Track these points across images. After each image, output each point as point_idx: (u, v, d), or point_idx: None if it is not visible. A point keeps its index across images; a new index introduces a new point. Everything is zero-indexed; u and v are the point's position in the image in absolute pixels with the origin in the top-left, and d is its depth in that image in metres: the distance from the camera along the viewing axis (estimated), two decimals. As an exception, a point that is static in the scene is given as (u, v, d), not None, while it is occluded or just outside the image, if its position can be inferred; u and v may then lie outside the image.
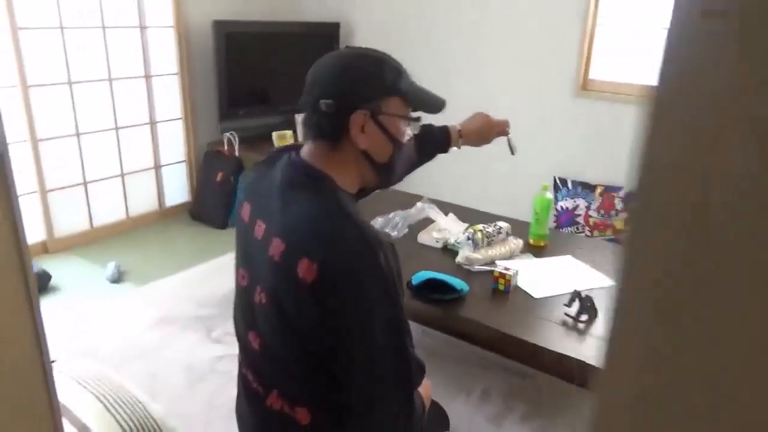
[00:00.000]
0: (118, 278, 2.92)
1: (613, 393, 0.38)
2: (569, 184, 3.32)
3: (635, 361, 0.36)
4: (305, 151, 1.10)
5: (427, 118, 1.20)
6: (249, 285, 1.11)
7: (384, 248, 0.98)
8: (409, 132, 1.14)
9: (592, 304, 1.61)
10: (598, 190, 3.23)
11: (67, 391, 1.39)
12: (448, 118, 1.45)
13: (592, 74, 3.25)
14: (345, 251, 0.96)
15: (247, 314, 1.14)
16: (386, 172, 1.14)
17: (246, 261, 1.13)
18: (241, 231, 1.15)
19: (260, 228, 1.07)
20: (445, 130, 1.64)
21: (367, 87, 1.05)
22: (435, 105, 1.17)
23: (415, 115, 1.14)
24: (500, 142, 1.74)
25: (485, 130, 1.69)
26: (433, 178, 3.17)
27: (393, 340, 1.00)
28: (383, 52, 1.10)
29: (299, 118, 3.85)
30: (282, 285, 1.00)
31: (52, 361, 1.78)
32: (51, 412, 0.77)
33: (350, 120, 1.03)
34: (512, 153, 1.72)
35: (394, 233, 2.06)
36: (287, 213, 1.02)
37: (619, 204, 3.18)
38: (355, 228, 0.98)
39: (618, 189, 3.19)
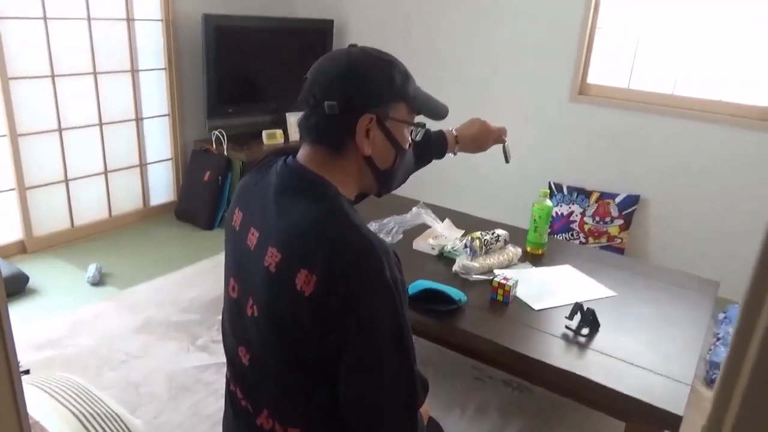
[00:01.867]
0: (99, 280, 2.81)
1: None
2: (564, 190, 3.27)
3: None
4: (302, 155, 1.03)
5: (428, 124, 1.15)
6: (240, 297, 1.04)
7: (390, 259, 0.92)
8: (409, 138, 1.08)
9: (594, 317, 1.56)
10: (594, 196, 3.19)
11: (41, 406, 1.30)
12: (442, 122, 1.39)
13: (590, 79, 3.21)
14: (348, 262, 0.89)
15: (237, 328, 1.07)
16: (387, 179, 1.10)
17: (237, 271, 1.06)
18: (232, 239, 1.07)
19: (253, 236, 1.00)
20: (441, 135, 1.58)
21: (376, 90, 0.99)
22: (439, 112, 1.13)
23: (419, 121, 1.08)
24: (495, 148, 1.69)
25: (482, 137, 1.63)
26: (427, 182, 3.11)
27: (397, 359, 0.93)
28: (391, 55, 1.04)
29: (290, 117, 3.77)
30: (277, 298, 0.94)
31: (26, 372, 1.68)
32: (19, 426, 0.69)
33: (356, 124, 0.97)
34: (507, 161, 1.67)
35: (388, 239, 2.00)
36: (284, 221, 0.95)
37: (614, 210, 3.14)
38: (361, 237, 0.92)
39: (614, 195, 3.15)
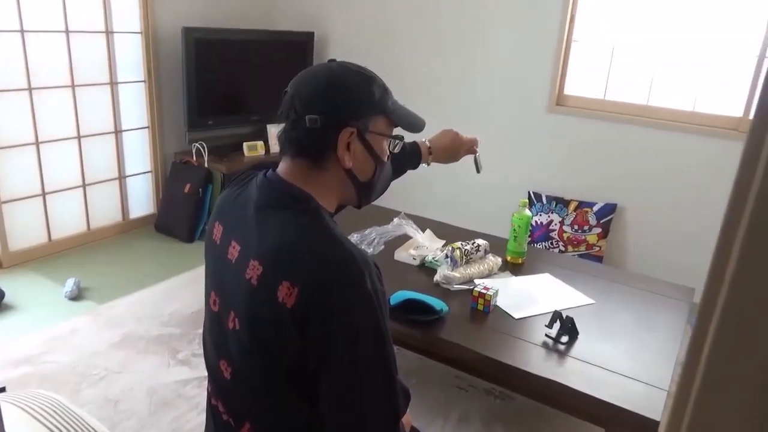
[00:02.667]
0: (77, 295, 2.77)
1: None
2: (543, 199, 3.32)
3: None
4: (282, 168, 1.04)
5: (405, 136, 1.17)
6: (221, 310, 1.04)
7: (371, 271, 0.93)
8: (388, 150, 1.10)
9: (573, 324, 1.59)
10: (572, 205, 3.23)
11: (18, 424, 1.28)
12: (419, 133, 1.41)
13: (567, 90, 3.27)
14: (330, 274, 0.90)
15: (218, 341, 1.07)
16: (367, 191, 1.12)
17: (218, 284, 1.06)
18: (213, 253, 1.08)
19: (235, 250, 1.00)
20: (415, 146, 1.61)
21: (357, 104, 1.01)
22: (417, 125, 1.15)
23: (398, 134, 1.10)
24: (467, 159, 1.71)
25: (454, 148, 1.66)
26: (408, 193, 3.14)
27: (379, 369, 0.94)
28: (370, 70, 1.06)
29: (271, 128, 3.77)
30: (259, 310, 0.94)
31: (1, 389, 1.64)
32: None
33: (337, 137, 0.98)
34: (478, 171, 1.70)
35: (370, 250, 2.01)
36: (265, 234, 0.96)
37: (592, 219, 3.19)
38: (342, 250, 0.93)
39: (591, 204, 3.20)
